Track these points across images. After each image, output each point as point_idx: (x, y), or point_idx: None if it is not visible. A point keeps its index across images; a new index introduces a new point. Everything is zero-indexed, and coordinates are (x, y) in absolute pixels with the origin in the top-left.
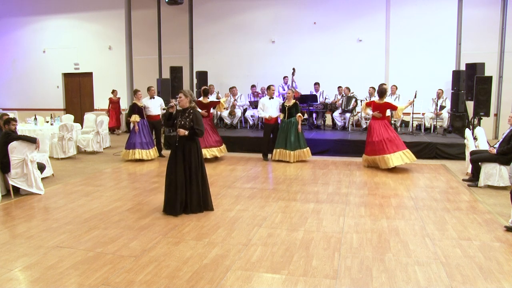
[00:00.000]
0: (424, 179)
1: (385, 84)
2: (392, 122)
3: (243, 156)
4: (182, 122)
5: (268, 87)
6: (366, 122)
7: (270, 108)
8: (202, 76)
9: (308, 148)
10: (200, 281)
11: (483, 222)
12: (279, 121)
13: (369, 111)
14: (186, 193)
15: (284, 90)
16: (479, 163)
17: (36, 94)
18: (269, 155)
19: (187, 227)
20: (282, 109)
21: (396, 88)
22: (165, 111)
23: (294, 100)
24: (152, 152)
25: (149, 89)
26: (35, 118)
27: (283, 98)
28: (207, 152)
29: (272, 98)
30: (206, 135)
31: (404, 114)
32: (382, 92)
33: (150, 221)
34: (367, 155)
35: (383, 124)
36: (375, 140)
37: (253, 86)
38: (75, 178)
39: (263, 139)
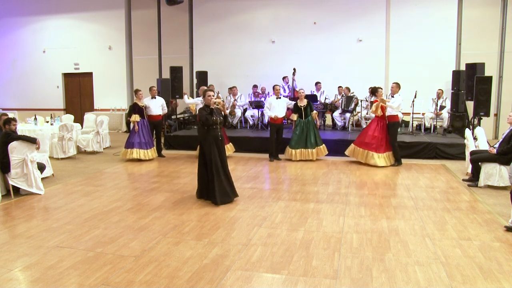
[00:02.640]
0: (424, 179)
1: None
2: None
3: (243, 156)
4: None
5: (273, 87)
6: (366, 122)
7: (277, 108)
8: (202, 76)
9: (324, 145)
10: (200, 281)
11: (483, 222)
12: (284, 121)
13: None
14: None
15: (285, 91)
16: (479, 163)
17: (36, 94)
18: (279, 155)
19: (187, 227)
20: (297, 109)
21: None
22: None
23: (306, 100)
24: (151, 153)
25: (150, 89)
26: (35, 118)
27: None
28: None
29: (279, 97)
30: None
31: (404, 114)
32: (372, 91)
33: (150, 221)
34: (355, 145)
35: (378, 122)
36: (368, 134)
37: (254, 86)
38: (75, 178)
39: (269, 139)
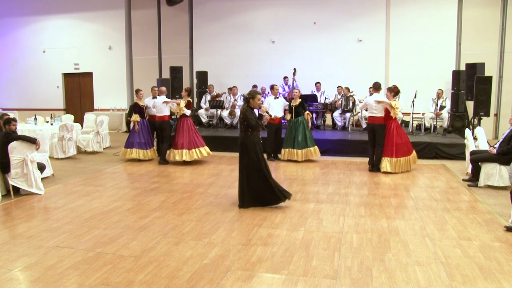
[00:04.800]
0: (424, 179)
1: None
2: None
3: None
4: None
5: (272, 87)
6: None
7: (275, 108)
8: (202, 76)
9: (316, 146)
10: (200, 281)
11: (483, 222)
12: (283, 121)
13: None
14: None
15: (284, 90)
16: (479, 163)
17: (36, 94)
18: (278, 155)
19: (187, 227)
20: (289, 109)
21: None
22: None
23: (300, 99)
24: (150, 153)
25: (152, 89)
26: (35, 118)
27: (284, 99)
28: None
29: (277, 97)
30: (195, 135)
31: (404, 114)
32: (399, 91)
33: (150, 221)
34: (403, 156)
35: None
36: (406, 140)
37: (254, 87)
38: (75, 178)
39: (268, 139)
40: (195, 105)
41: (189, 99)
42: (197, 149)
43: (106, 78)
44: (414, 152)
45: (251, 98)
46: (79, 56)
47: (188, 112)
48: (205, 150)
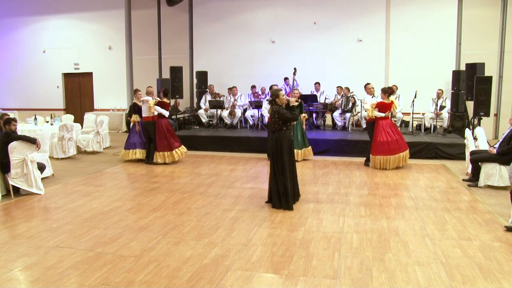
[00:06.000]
0: (424, 179)
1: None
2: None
3: (243, 156)
4: None
5: (270, 87)
6: None
7: None
8: (202, 76)
9: (310, 146)
10: (200, 281)
11: (483, 222)
12: None
13: (377, 113)
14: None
15: (286, 92)
16: (479, 163)
17: (36, 94)
18: None
19: (187, 227)
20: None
21: (397, 88)
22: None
23: (299, 100)
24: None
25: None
26: (35, 118)
27: None
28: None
29: None
30: (173, 136)
31: (404, 114)
32: (393, 91)
33: (150, 221)
34: (380, 155)
35: (391, 124)
36: (389, 140)
37: (253, 87)
38: (75, 178)
39: (267, 139)
40: (195, 105)
41: (166, 99)
42: (177, 150)
43: (106, 78)
44: (404, 152)
45: (276, 97)
46: (79, 56)
47: (166, 113)
48: (183, 149)
